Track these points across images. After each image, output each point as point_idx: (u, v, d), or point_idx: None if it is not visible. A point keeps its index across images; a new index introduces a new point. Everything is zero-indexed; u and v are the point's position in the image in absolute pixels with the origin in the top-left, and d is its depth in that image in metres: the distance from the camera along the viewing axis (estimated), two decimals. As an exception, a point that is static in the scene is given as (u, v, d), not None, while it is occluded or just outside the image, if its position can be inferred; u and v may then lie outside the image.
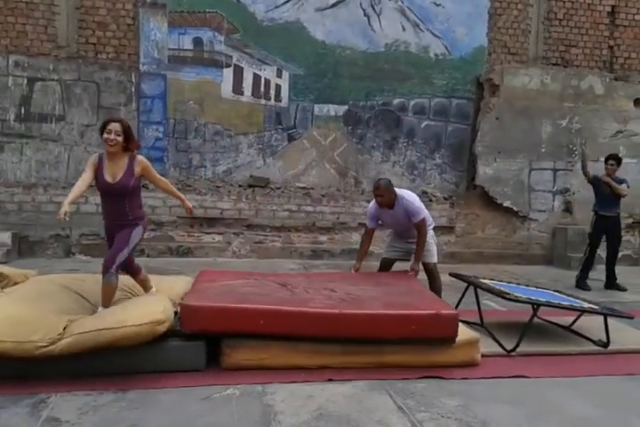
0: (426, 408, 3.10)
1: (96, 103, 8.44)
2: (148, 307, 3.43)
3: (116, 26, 8.44)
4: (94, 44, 8.42)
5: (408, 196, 4.94)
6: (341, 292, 4.11)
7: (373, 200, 5.06)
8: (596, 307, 4.49)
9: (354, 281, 4.59)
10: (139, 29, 8.52)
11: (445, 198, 8.99)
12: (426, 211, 5.03)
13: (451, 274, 5.22)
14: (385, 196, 4.85)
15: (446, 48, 9.34)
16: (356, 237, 8.64)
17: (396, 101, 9.32)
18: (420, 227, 4.86)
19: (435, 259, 5.12)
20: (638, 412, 3.20)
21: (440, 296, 4.66)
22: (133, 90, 8.53)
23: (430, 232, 5.09)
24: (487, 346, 4.03)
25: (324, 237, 8.65)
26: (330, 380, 3.43)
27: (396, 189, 4.96)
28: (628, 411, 3.21)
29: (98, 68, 8.41)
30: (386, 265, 5.24)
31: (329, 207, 8.66)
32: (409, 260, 5.11)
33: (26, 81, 8.27)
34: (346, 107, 9.24)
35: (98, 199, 7.82)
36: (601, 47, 9.59)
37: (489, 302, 5.49)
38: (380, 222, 5.16)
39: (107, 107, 8.45)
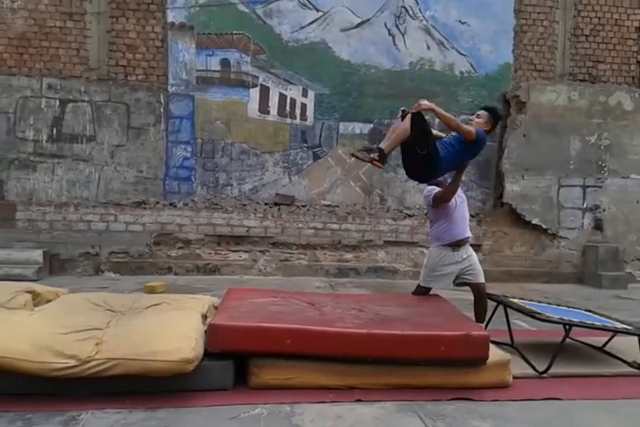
0: (456, 431, 3.04)
1: (126, 124, 8.63)
2: (180, 341, 3.35)
3: (146, 48, 8.66)
4: (124, 66, 8.64)
5: None
6: (369, 312, 4.07)
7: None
8: (629, 327, 4.37)
9: (382, 302, 4.55)
10: (167, 51, 8.73)
11: (472, 216, 8.86)
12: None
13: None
14: None
15: (472, 65, 9.35)
16: (381, 255, 8.63)
17: (421, 119, 9.30)
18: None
19: (483, 278, 4.75)
20: (678, 437, 3.09)
21: (484, 318, 4.60)
22: (162, 110, 8.71)
23: (473, 251, 4.83)
24: (518, 367, 3.95)
25: (349, 255, 8.63)
26: (358, 400, 3.38)
27: None
28: (667, 436, 3.11)
29: (128, 90, 8.62)
30: (422, 292, 4.86)
31: (354, 225, 8.65)
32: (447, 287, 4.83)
33: (58, 102, 8.51)
34: (371, 125, 9.28)
35: (127, 217, 8.12)
36: (629, 62, 9.50)
37: (519, 322, 5.39)
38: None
39: (136, 127, 8.64)
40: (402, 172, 9.19)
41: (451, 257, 4.65)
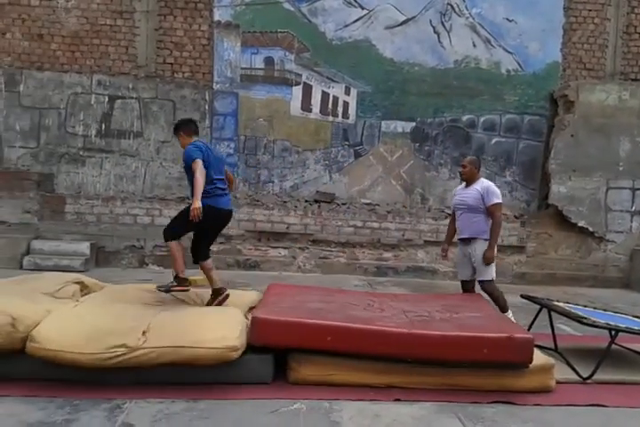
0: (497, 434, 3.00)
1: (172, 120, 8.74)
2: (225, 330, 3.45)
3: (192, 46, 8.80)
4: (171, 63, 8.80)
5: (492, 184, 5.14)
6: (412, 312, 4.06)
7: None
8: (680, 335, 4.23)
9: (425, 302, 4.53)
10: (213, 49, 8.85)
11: (516, 217, 8.75)
12: (500, 199, 5.07)
13: (523, 296, 5.05)
14: (467, 167, 5.08)
15: (519, 64, 9.18)
16: (421, 255, 8.57)
17: (465, 118, 9.21)
18: (495, 212, 4.95)
19: (487, 275, 4.94)
20: None
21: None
22: (207, 108, 8.84)
23: (481, 249, 4.96)
24: (562, 372, 3.87)
25: (388, 254, 8.59)
26: (397, 400, 3.38)
27: (484, 179, 5.19)
28: None
29: (174, 87, 8.78)
30: (465, 286, 5.17)
31: (394, 224, 8.61)
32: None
33: (107, 99, 8.73)
34: (413, 123, 9.21)
35: (172, 212, 8.26)
36: (684, 61, 9.15)
37: (562, 326, 5.28)
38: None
39: (182, 124, 8.77)
40: (444, 171, 9.19)
41: (462, 251, 5.12)
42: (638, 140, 8.66)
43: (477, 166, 5.17)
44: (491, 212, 4.96)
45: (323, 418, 3.10)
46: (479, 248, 4.91)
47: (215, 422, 3.00)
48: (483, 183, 5.07)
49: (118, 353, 3.24)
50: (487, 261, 4.85)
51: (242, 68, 8.94)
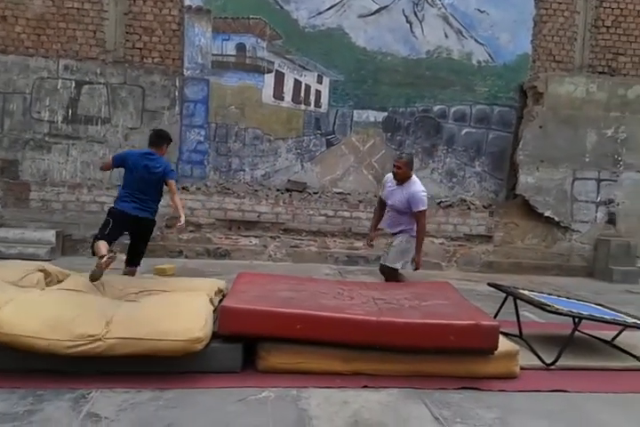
0: (462, 419, 3.05)
1: (141, 107, 8.63)
2: (190, 321, 3.40)
3: (162, 31, 8.63)
4: (140, 48, 8.61)
5: (419, 185, 5.16)
6: (381, 300, 4.09)
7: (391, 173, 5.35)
8: (639, 322, 4.35)
9: (395, 290, 4.56)
10: (183, 35, 8.69)
11: (484, 207, 8.87)
12: (426, 206, 5.14)
13: (489, 284, 5.15)
14: (402, 168, 5.13)
15: (489, 55, 9.24)
16: (392, 244, 8.61)
17: (436, 108, 9.25)
18: (419, 218, 5.08)
19: (395, 264, 5.18)
20: (684, 432, 3.09)
21: None
22: (177, 94, 8.69)
23: (400, 241, 5.21)
24: (526, 359, 3.95)
25: (359, 243, 8.62)
26: (365, 387, 3.41)
27: (415, 177, 5.24)
28: (673, 431, 3.10)
29: (143, 73, 8.60)
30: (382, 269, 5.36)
31: (365, 213, 8.63)
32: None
33: (74, 84, 8.52)
34: (385, 113, 9.22)
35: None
36: (650, 55, 9.34)
37: (528, 314, 5.38)
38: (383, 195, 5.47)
39: (151, 110, 8.63)
40: (414, 161, 9.19)
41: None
42: (604, 133, 8.83)
43: (411, 167, 5.27)
44: (416, 218, 5.09)
45: (290, 406, 3.11)
46: (401, 238, 5.19)
47: (182, 411, 2.98)
48: (410, 187, 5.12)
49: (79, 343, 3.19)
50: (417, 266, 5.16)
51: (213, 55, 8.80)
